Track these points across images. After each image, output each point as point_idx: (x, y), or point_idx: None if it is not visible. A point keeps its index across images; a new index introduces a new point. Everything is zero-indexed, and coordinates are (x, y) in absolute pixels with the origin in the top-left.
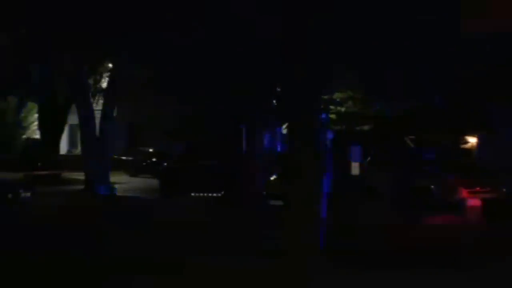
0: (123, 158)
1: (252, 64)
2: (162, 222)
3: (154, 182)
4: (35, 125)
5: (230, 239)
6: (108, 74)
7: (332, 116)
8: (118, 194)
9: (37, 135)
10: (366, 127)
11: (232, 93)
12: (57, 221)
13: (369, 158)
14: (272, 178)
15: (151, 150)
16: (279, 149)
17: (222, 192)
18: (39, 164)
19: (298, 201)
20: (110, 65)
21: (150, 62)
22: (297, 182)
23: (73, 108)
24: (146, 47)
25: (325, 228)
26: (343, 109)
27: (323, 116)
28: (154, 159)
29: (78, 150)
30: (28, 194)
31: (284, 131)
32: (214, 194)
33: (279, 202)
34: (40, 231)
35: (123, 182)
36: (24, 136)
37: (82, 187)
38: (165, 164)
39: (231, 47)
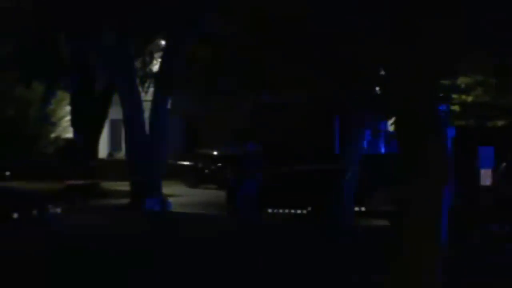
0: (180, 163)
1: (345, 34)
2: (232, 252)
3: (220, 194)
4: (67, 120)
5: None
6: (160, 53)
7: (455, 107)
8: (172, 210)
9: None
10: (500, 123)
11: (321, 75)
12: (96, 253)
13: (504, 164)
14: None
15: (215, 153)
16: (383, 150)
17: (309, 208)
18: (83, 170)
19: (413, 222)
20: (163, 41)
21: (218, 36)
22: (411, 197)
23: (116, 98)
24: (212, 16)
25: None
26: (469, 99)
27: (443, 107)
28: (219, 165)
29: (122, 153)
30: (59, 211)
31: (391, 128)
32: (299, 211)
33: (383, 222)
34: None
35: (179, 195)
36: (52, 135)
37: (127, 201)
38: (234, 171)
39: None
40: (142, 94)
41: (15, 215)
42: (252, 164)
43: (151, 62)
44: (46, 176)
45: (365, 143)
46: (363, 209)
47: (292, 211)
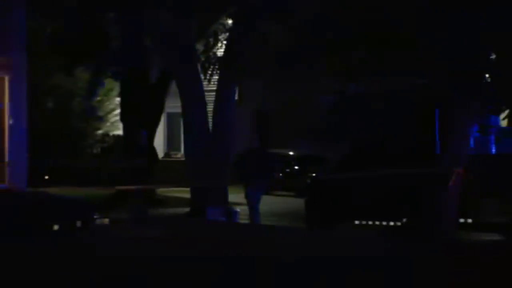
0: None
1: (447, 12)
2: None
3: (297, 202)
4: (116, 114)
5: None
6: (226, 35)
7: None
8: (240, 221)
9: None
10: None
11: (418, 59)
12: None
13: None
14: None
15: (291, 153)
16: (493, 150)
17: (404, 220)
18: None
19: None
20: (230, 21)
21: (297, 13)
22: None
23: (173, 88)
24: None
25: None
26: None
27: None
28: (296, 167)
29: (180, 153)
30: (106, 221)
31: (503, 123)
32: (392, 223)
33: (494, 236)
34: None
35: None
36: (99, 132)
37: (186, 209)
38: (314, 175)
39: None
40: (205, 83)
41: (56, 227)
42: (261, 165)
43: (215, 44)
44: (92, 180)
45: (471, 142)
46: (469, 220)
47: (384, 222)
